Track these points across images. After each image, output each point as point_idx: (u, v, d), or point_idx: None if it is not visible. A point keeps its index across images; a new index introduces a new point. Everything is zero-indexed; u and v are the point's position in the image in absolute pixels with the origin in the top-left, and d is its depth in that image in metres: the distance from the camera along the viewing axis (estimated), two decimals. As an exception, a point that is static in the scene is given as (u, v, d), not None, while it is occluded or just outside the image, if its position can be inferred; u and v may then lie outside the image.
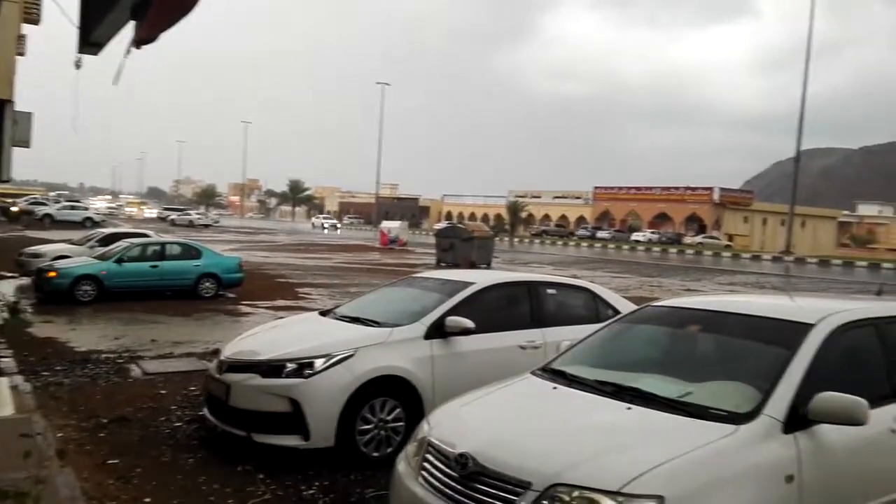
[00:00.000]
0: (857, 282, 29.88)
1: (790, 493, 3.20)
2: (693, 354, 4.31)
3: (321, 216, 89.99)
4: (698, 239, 68.34)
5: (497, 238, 38.59)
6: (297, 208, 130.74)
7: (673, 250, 55.66)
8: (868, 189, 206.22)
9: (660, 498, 2.86)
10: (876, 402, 3.67)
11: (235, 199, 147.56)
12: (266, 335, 6.43)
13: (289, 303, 15.30)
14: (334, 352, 5.47)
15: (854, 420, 3.26)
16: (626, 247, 58.59)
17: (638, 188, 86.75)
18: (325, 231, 59.49)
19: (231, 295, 15.79)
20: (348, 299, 8.64)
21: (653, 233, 71.95)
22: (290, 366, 5.43)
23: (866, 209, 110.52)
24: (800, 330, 3.72)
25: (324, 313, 6.94)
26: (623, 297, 7.46)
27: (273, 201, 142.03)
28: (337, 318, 6.51)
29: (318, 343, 5.65)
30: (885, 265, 44.47)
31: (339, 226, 74.80)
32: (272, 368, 5.46)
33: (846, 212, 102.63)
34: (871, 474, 3.63)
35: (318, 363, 5.39)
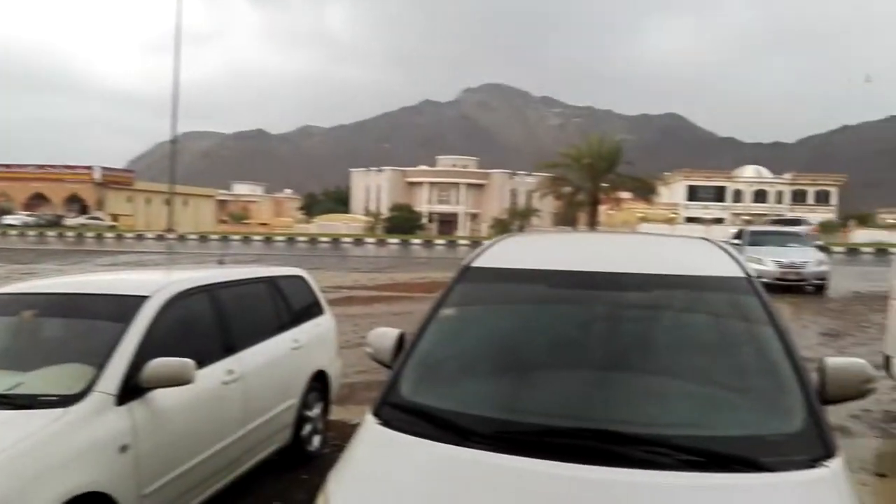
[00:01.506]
0: (230, 253, 32.87)
1: (126, 463, 3.28)
2: (30, 342, 4.01)
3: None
4: (81, 220, 64.51)
5: None
6: None
7: (52, 233, 51.20)
8: (242, 170, 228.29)
9: None
10: (209, 360, 4.08)
11: None
12: None
13: None
14: None
15: (182, 380, 3.52)
16: (-6, 232, 51.19)
17: (8, 166, 76.57)
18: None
19: None
20: None
21: (28, 215, 64.78)
22: None
23: (241, 188, 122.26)
24: (135, 303, 3.81)
25: None
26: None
27: None
28: None
29: None
30: (255, 237, 50.34)
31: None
32: None
33: (224, 191, 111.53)
34: (206, 425, 4.01)
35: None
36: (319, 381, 5.51)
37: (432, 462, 2.33)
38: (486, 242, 3.67)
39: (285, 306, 5.36)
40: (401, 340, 3.13)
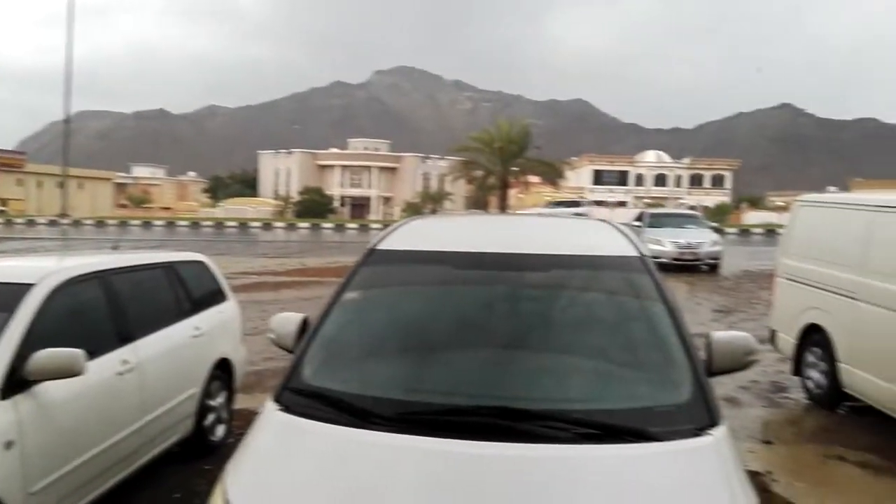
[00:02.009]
0: (129, 239, 31.54)
1: (11, 460, 3.11)
2: None
3: None
4: (-37, 205, 60.26)
5: None
6: None
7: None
8: (142, 151, 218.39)
9: None
10: (102, 350, 3.90)
11: None
12: None
13: None
14: None
15: (71, 372, 3.35)
16: None
17: None
18: None
19: None
20: None
21: None
22: None
23: (141, 171, 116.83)
24: (19, 291, 3.59)
25: None
26: None
27: None
28: None
29: None
30: (157, 222, 48.40)
31: None
32: None
33: (122, 174, 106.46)
34: (100, 418, 3.83)
35: None
36: (223, 370, 5.37)
37: (333, 445, 2.32)
38: (392, 225, 3.67)
39: (185, 293, 5.18)
40: (304, 325, 3.09)
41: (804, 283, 6.96)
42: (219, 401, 5.30)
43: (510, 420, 2.32)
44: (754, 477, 4.86)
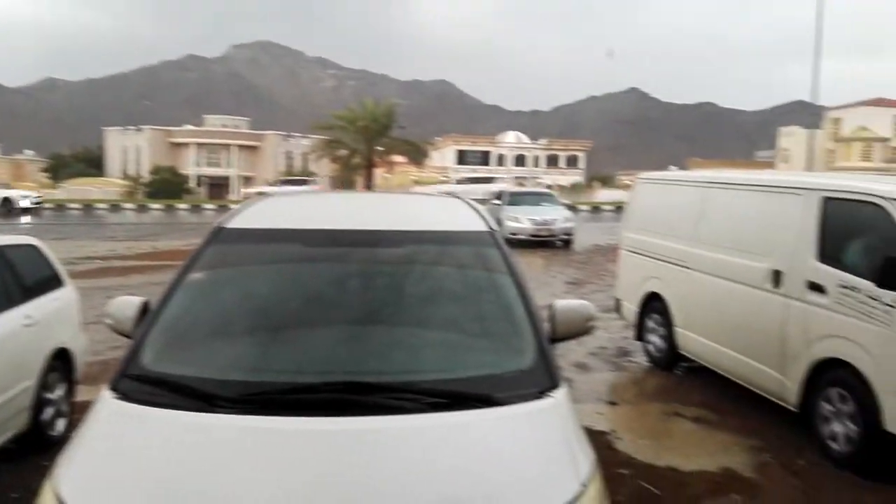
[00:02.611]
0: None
1: None
2: None
3: None
4: None
5: None
6: None
7: None
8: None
9: None
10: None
11: None
12: None
13: None
14: None
15: None
16: None
17: None
18: None
19: None
20: None
21: None
22: None
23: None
24: None
25: None
26: None
27: None
28: None
29: None
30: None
31: None
32: None
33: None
34: None
35: None
36: (61, 360, 5.02)
37: (175, 432, 2.23)
38: (242, 203, 3.57)
39: (14, 279, 4.77)
40: (144, 309, 2.94)
41: (644, 255, 7.47)
42: (58, 393, 4.96)
43: (358, 394, 2.33)
44: (600, 436, 5.20)
